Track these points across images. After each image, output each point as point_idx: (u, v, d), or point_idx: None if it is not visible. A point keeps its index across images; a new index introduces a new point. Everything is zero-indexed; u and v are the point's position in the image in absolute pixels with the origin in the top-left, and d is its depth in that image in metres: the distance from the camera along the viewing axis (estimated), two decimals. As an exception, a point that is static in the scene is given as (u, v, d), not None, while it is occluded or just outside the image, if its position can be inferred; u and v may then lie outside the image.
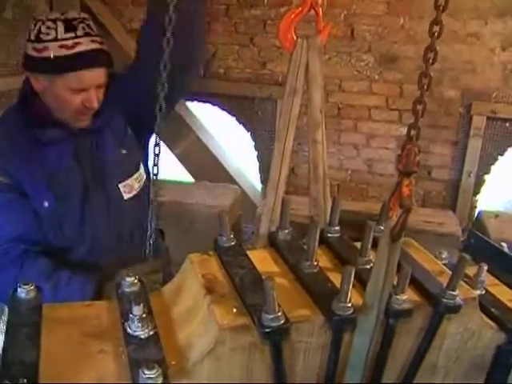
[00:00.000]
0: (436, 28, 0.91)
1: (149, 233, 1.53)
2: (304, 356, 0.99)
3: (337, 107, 4.26)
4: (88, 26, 1.61)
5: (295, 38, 1.38)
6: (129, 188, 1.79)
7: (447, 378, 1.14)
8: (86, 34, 1.59)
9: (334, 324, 0.96)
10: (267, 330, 0.90)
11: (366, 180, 4.42)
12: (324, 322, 0.97)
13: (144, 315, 0.96)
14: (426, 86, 0.92)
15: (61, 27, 1.56)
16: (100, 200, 1.73)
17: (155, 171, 1.47)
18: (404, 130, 0.92)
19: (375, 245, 1.07)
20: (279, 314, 0.91)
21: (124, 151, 1.80)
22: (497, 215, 3.55)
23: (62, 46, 1.56)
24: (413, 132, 0.91)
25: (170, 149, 4.50)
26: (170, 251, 2.06)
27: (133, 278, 1.07)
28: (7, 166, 1.62)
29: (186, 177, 4.79)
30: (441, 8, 0.90)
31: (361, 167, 4.40)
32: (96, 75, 1.61)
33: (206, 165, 4.66)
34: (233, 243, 1.16)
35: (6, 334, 0.92)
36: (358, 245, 1.16)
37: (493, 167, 4.15)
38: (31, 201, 1.64)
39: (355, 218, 1.74)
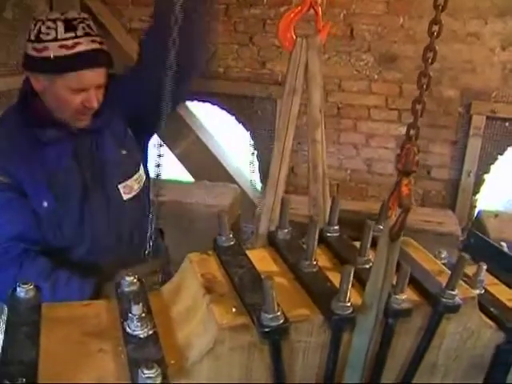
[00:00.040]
0: (435, 27, 0.90)
1: (149, 234, 1.53)
2: (303, 355, 0.99)
3: (336, 107, 4.26)
4: (88, 25, 1.61)
5: (294, 37, 1.38)
6: (128, 189, 1.79)
7: (446, 378, 1.14)
8: (86, 34, 1.59)
9: (333, 323, 0.96)
10: (266, 330, 0.90)
11: (366, 179, 4.42)
12: (323, 322, 0.97)
13: (143, 314, 0.96)
14: (425, 86, 0.92)
15: (61, 27, 1.56)
16: (99, 200, 1.73)
17: (157, 172, 1.48)
18: (403, 130, 0.92)
19: (374, 244, 1.07)
20: (278, 313, 0.91)
21: (124, 152, 1.80)
22: (496, 215, 3.55)
23: (61, 46, 1.56)
24: (412, 131, 0.91)
25: (170, 148, 4.50)
26: (169, 250, 2.06)
27: (132, 278, 1.07)
28: (7, 165, 1.62)
29: (186, 176, 4.79)
30: (440, 7, 0.89)
31: (360, 167, 4.40)
32: (96, 75, 1.61)
33: (205, 164, 4.66)
34: (232, 243, 1.16)
35: (6, 333, 0.92)
36: (358, 244, 1.16)
37: (492, 167, 4.15)
38: (31, 200, 1.64)
39: (354, 217, 1.74)
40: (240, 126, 4.55)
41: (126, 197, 1.78)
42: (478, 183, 4.18)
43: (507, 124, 4.02)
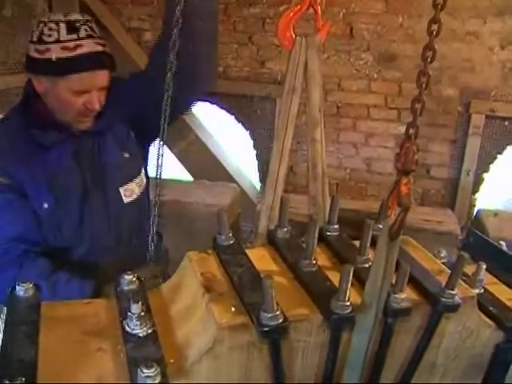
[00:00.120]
0: (434, 27, 0.90)
1: (150, 237, 1.53)
2: (302, 355, 0.99)
3: (336, 106, 4.26)
4: (90, 27, 1.61)
5: (294, 36, 1.38)
6: (129, 192, 1.79)
7: (445, 378, 1.14)
8: (89, 36, 1.59)
9: (333, 323, 0.96)
10: (266, 329, 0.90)
11: (365, 179, 4.43)
12: (322, 321, 0.97)
13: (142, 313, 0.96)
14: (424, 85, 0.92)
15: (63, 29, 1.56)
16: (99, 202, 1.73)
17: (158, 172, 1.48)
18: (403, 129, 0.93)
19: (374, 243, 1.07)
20: (278, 312, 0.91)
21: (126, 155, 1.80)
22: (496, 214, 3.55)
23: (64, 48, 1.56)
24: (411, 130, 0.91)
25: (169, 148, 4.50)
26: (168, 250, 2.06)
27: (131, 276, 1.07)
28: (7, 166, 1.62)
29: (185, 176, 4.79)
30: (439, 7, 0.89)
31: (360, 166, 4.40)
32: (98, 77, 1.61)
33: (204, 164, 4.66)
34: (231, 242, 1.16)
35: (5, 332, 0.92)
36: (357, 243, 1.16)
37: (492, 166, 4.16)
38: (31, 201, 1.63)
39: (354, 216, 1.74)
40: (239, 125, 4.55)
41: (126, 200, 1.78)
42: (478, 182, 4.19)
43: (506, 123, 4.02)
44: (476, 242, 1.51)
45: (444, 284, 1.03)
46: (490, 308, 1.14)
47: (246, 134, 4.55)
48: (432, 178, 4.26)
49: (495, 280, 1.30)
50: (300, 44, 1.37)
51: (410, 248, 1.24)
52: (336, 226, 1.26)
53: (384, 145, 4.29)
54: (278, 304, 0.91)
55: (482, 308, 1.13)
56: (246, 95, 4.39)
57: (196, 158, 4.70)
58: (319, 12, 1.41)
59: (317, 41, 1.39)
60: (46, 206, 1.64)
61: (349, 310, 0.95)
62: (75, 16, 1.61)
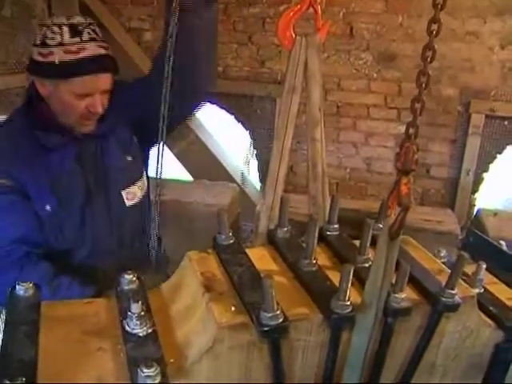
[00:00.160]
0: (434, 26, 0.90)
1: (152, 242, 1.54)
2: (302, 354, 0.99)
3: (336, 105, 4.26)
4: (93, 31, 1.61)
5: (294, 35, 1.38)
6: (132, 195, 1.80)
7: (445, 378, 1.14)
8: (92, 40, 1.59)
9: (333, 322, 0.96)
10: (266, 329, 0.90)
11: (365, 178, 4.43)
12: (322, 321, 0.97)
13: (142, 313, 0.96)
14: (424, 85, 0.92)
15: (66, 32, 1.56)
16: (101, 205, 1.74)
17: (158, 171, 1.49)
18: (402, 129, 0.93)
19: (374, 243, 1.07)
20: (278, 312, 0.91)
21: (129, 158, 1.81)
22: (495, 213, 3.55)
23: (67, 51, 1.56)
24: (411, 130, 0.91)
25: (169, 148, 4.50)
26: (168, 254, 2.06)
27: (131, 276, 1.07)
28: (10, 168, 1.61)
29: (186, 176, 4.79)
30: (439, 6, 0.89)
31: (359, 165, 4.40)
32: (101, 80, 1.62)
33: (204, 163, 4.66)
34: (231, 241, 1.16)
35: (5, 332, 0.92)
36: (357, 243, 1.16)
37: (491, 165, 4.15)
38: (33, 203, 1.63)
39: (354, 216, 1.74)
40: (239, 125, 4.55)
41: (128, 203, 1.79)
42: (477, 182, 4.19)
43: (506, 123, 4.02)
44: (476, 241, 1.51)
45: (444, 284, 1.03)
46: (490, 308, 1.14)
47: (246, 133, 4.55)
48: (432, 178, 4.26)
49: (495, 280, 1.31)
50: (300, 43, 1.37)
51: (410, 248, 1.24)
52: (336, 226, 1.26)
53: (384, 144, 4.29)
54: (278, 303, 0.91)
55: (482, 308, 1.13)
56: (246, 95, 4.39)
57: (196, 157, 4.70)
58: (319, 11, 1.40)
59: (317, 40, 1.38)
60: (48, 208, 1.64)
61: (349, 310, 0.95)
62: (78, 19, 1.61)
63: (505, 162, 4.34)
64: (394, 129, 4.20)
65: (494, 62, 3.91)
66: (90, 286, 1.61)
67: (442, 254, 1.30)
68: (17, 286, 1.02)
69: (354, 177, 4.45)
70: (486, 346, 1.14)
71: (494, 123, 4.03)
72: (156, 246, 1.66)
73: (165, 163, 1.52)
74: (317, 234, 1.07)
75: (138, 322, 0.95)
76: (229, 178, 4.56)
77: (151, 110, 1.56)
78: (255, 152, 4.55)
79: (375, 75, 4.15)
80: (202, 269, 1.08)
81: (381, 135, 4.27)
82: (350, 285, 0.95)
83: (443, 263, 1.22)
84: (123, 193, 1.78)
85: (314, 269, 1.08)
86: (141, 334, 0.94)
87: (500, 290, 1.24)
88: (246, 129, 4.52)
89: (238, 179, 4.65)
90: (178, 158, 4.71)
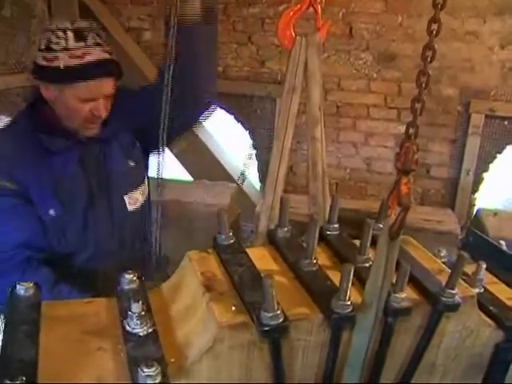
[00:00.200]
0: (434, 26, 0.91)
1: (152, 250, 1.54)
2: (303, 354, 0.99)
3: (335, 105, 4.26)
4: (98, 35, 1.62)
5: (294, 35, 1.38)
6: (134, 200, 1.82)
7: (445, 378, 1.14)
8: (96, 44, 1.60)
9: (333, 322, 0.96)
10: (266, 329, 0.90)
11: (365, 178, 4.43)
12: (323, 320, 0.97)
13: (143, 313, 0.96)
14: (424, 85, 0.92)
15: (71, 37, 1.57)
16: (104, 209, 1.75)
17: (159, 172, 1.50)
18: (402, 129, 0.93)
19: (374, 243, 1.07)
20: (278, 312, 0.91)
21: (132, 163, 1.83)
22: (495, 213, 3.55)
23: (72, 56, 1.56)
24: (411, 130, 0.91)
25: (169, 148, 4.50)
26: (168, 251, 2.06)
27: (131, 276, 1.07)
28: (14, 171, 1.61)
29: (186, 176, 4.79)
30: (439, 6, 0.90)
31: (359, 165, 4.40)
32: (105, 85, 1.62)
33: (204, 163, 4.66)
34: (232, 241, 1.16)
35: (5, 331, 0.92)
36: (357, 242, 1.16)
37: (491, 165, 4.16)
38: (37, 207, 1.64)
39: (354, 216, 1.74)
40: (239, 125, 4.55)
41: (130, 208, 1.81)
42: (477, 182, 4.19)
43: (506, 123, 4.02)
44: (476, 241, 1.51)
45: (444, 283, 1.03)
46: (490, 307, 1.14)
47: (246, 133, 4.55)
48: (432, 178, 4.26)
49: (495, 279, 1.30)
50: (300, 43, 1.37)
51: (410, 247, 1.24)
52: (336, 226, 1.26)
53: (384, 144, 4.29)
54: (278, 303, 0.91)
55: (482, 307, 1.13)
56: (246, 95, 4.39)
57: (196, 157, 4.70)
58: (319, 11, 1.41)
59: (317, 40, 1.39)
60: (52, 212, 1.64)
61: (349, 310, 0.95)
62: (82, 24, 1.62)
63: (505, 162, 4.34)
64: (393, 129, 4.20)
65: (494, 62, 3.92)
66: (89, 292, 1.61)
67: (442, 254, 1.30)
68: (17, 286, 1.02)
69: (353, 177, 4.45)
70: (486, 345, 1.14)
71: (494, 123, 4.03)
72: (157, 250, 1.67)
73: (165, 163, 1.53)
74: (317, 234, 1.07)
75: (138, 322, 0.95)
76: (229, 178, 4.55)
77: (154, 117, 1.58)
78: (255, 152, 4.54)
79: (375, 75, 4.15)
80: (203, 269, 1.08)
81: (381, 135, 4.27)
82: (350, 285, 0.95)
83: (443, 263, 1.22)
84: (125, 197, 1.79)
85: (314, 269, 1.08)
86: (141, 334, 0.94)
87: (500, 290, 1.24)
88: (246, 129, 4.53)
89: (238, 180, 4.65)
90: (177, 158, 4.71)
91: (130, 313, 0.95)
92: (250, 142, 4.55)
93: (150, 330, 0.95)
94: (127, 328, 0.95)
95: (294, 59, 1.38)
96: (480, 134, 4.03)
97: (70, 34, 1.57)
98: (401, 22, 3.98)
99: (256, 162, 4.58)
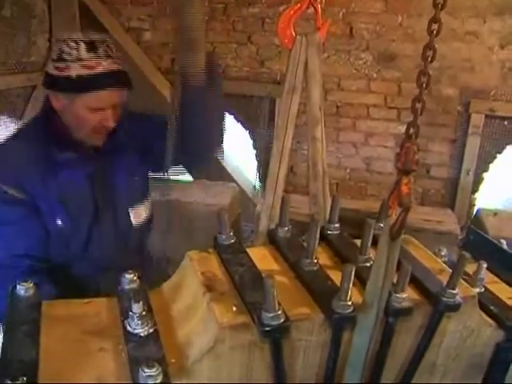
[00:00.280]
0: (434, 26, 0.91)
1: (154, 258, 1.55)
2: (304, 354, 0.99)
3: (335, 105, 4.26)
4: (108, 47, 1.64)
5: (294, 34, 1.38)
6: (138, 215, 1.84)
7: (446, 378, 1.14)
8: (107, 56, 1.61)
9: (334, 322, 0.96)
10: (267, 329, 0.90)
11: (365, 178, 4.42)
12: (324, 321, 0.97)
13: (144, 313, 0.96)
14: (424, 85, 0.92)
15: (83, 48, 1.58)
16: (109, 223, 1.76)
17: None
18: (403, 129, 0.93)
19: (375, 243, 1.07)
20: (279, 312, 0.91)
21: (137, 178, 1.85)
22: (495, 213, 3.55)
23: (83, 66, 1.58)
24: (412, 130, 0.91)
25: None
26: (168, 251, 2.07)
27: (132, 276, 1.07)
28: (22, 180, 1.62)
29: (185, 176, 4.77)
30: (439, 6, 0.90)
31: (359, 165, 4.40)
32: (115, 95, 1.64)
33: (204, 163, 4.64)
34: (232, 241, 1.16)
35: (5, 331, 0.92)
36: (358, 242, 1.16)
37: (491, 165, 4.15)
38: (44, 217, 1.64)
39: (354, 216, 1.74)
40: (239, 125, 4.55)
41: (134, 222, 1.83)
42: (477, 182, 4.18)
43: (506, 122, 4.02)
44: (476, 240, 1.51)
45: (445, 283, 1.03)
46: (491, 307, 1.14)
47: (246, 133, 4.54)
48: (432, 178, 4.25)
49: (496, 279, 1.30)
50: (300, 43, 1.37)
51: (411, 247, 1.24)
52: (337, 225, 1.26)
53: (384, 144, 4.28)
54: (279, 303, 0.91)
55: (483, 307, 1.13)
56: (246, 95, 4.38)
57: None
58: (319, 10, 1.41)
59: (317, 39, 1.39)
60: (59, 222, 1.65)
61: (350, 310, 0.95)
62: (94, 36, 1.64)
63: (505, 162, 4.33)
64: (393, 129, 4.20)
65: (494, 62, 3.91)
66: None
67: (442, 253, 1.30)
68: (17, 286, 1.02)
69: (353, 177, 4.44)
70: (487, 345, 1.14)
71: (494, 123, 4.03)
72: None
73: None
74: (318, 234, 1.07)
75: (139, 322, 0.95)
76: (229, 177, 4.55)
77: (160, 147, 1.64)
78: (255, 152, 4.54)
79: (375, 75, 4.15)
80: (203, 268, 1.08)
81: (381, 135, 4.27)
82: (351, 285, 0.95)
83: (444, 262, 1.22)
84: (130, 212, 1.81)
85: (315, 268, 1.08)
86: (142, 334, 0.94)
87: (501, 290, 1.24)
88: (246, 129, 4.52)
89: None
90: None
91: (130, 313, 0.95)
92: (250, 142, 4.54)
93: (151, 330, 0.95)
94: (128, 328, 0.95)
95: (294, 59, 1.38)
96: (480, 134, 4.02)
97: (82, 45, 1.59)
98: (401, 21, 3.98)
99: (256, 162, 4.57)
